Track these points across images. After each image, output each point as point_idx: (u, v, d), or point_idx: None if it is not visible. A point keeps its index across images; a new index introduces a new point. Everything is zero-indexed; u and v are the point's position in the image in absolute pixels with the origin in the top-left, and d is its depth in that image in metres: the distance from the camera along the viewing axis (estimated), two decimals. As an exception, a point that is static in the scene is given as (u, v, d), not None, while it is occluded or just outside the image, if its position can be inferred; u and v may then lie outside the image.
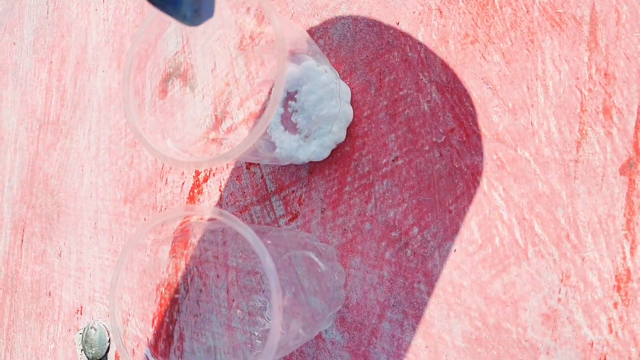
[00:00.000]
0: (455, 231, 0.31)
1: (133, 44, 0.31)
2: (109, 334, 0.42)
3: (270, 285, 0.25)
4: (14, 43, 0.48)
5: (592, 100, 0.29)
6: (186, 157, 0.28)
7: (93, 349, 0.41)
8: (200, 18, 0.19)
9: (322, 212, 0.35)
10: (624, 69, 0.28)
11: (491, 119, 0.31)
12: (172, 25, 0.34)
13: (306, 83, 0.33)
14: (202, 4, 0.19)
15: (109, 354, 0.42)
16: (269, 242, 0.27)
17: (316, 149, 0.33)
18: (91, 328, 0.42)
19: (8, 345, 0.46)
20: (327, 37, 0.36)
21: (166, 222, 0.30)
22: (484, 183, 0.31)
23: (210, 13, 0.20)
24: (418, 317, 0.32)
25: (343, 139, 0.34)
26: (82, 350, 0.42)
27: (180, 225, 0.34)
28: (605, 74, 0.29)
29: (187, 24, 0.20)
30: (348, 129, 0.34)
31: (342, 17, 0.35)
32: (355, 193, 0.34)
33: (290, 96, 0.34)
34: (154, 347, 0.38)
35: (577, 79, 0.29)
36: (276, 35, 0.25)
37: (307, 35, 0.31)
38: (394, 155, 0.33)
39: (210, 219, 0.29)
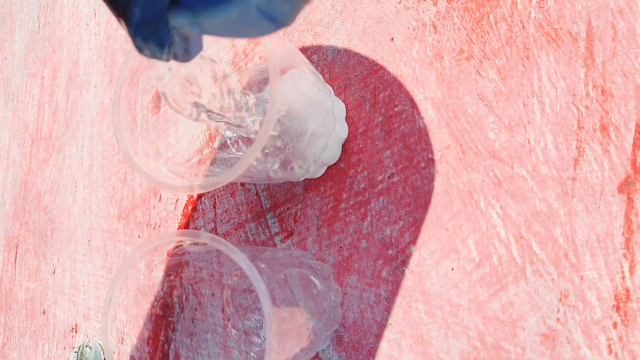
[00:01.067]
0: (453, 249, 0.31)
1: (125, 61, 0.31)
2: (104, 353, 0.41)
3: (264, 312, 0.24)
4: (5, 58, 0.48)
5: (589, 117, 0.29)
6: (178, 180, 0.28)
7: (88, 368, 0.41)
8: (190, 55, 0.20)
9: (317, 229, 0.35)
10: (621, 86, 0.28)
11: (487, 135, 0.31)
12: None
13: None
14: (191, 43, 0.19)
15: (104, 373, 0.41)
16: (262, 265, 0.27)
17: (311, 167, 0.33)
18: (86, 347, 0.41)
19: (2, 363, 0.45)
20: (320, 53, 0.35)
21: (159, 245, 0.29)
22: (481, 201, 0.31)
23: (199, 48, 0.20)
24: (416, 337, 0.32)
25: (338, 156, 0.34)
26: (77, 369, 0.42)
27: (174, 248, 0.33)
28: (602, 91, 0.29)
29: (178, 61, 0.20)
30: (343, 145, 0.34)
31: (336, 33, 0.35)
32: (351, 210, 0.34)
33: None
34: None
35: (574, 95, 0.29)
36: (267, 55, 0.25)
37: (300, 53, 0.30)
38: (389, 172, 0.33)
39: (203, 243, 0.28)
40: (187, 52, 0.20)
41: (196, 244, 0.29)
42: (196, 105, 0.26)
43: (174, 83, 0.24)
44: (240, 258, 0.24)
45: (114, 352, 0.44)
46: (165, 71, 0.24)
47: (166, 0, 0.18)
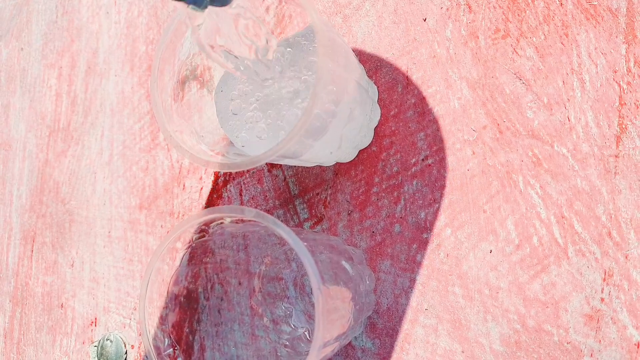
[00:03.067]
0: (491, 231, 0.30)
1: (159, 48, 0.31)
2: (125, 346, 0.40)
3: (313, 287, 0.24)
4: (22, 49, 0.47)
5: (631, 93, 0.28)
6: (218, 157, 0.27)
7: (109, 361, 0.40)
8: None
9: (348, 214, 0.34)
10: (664, 61, 0.28)
11: (526, 114, 0.30)
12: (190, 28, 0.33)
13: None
14: None
15: (125, 366, 0.40)
16: (305, 244, 0.26)
17: (344, 150, 0.32)
18: (107, 340, 0.40)
19: None
20: (350, 35, 0.35)
21: (195, 225, 0.29)
22: (519, 181, 0.30)
23: None
24: (453, 322, 0.31)
25: (370, 139, 0.33)
26: (97, 363, 0.41)
27: (202, 228, 0.32)
28: (644, 67, 0.28)
29: (217, 5, 0.19)
30: (375, 128, 0.34)
31: (367, 15, 0.34)
32: (383, 194, 0.33)
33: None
34: (173, 358, 0.37)
35: (615, 72, 0.29)
36: (314, 24, 0.24)
37: (335, 29, 0.30)
38: (423, 154, 0.32)
39: (244, 220, 0.27)
40: None
41: (239, 221, 0.28)
42: (231, 54, 0.25)
43: (210, 31, 0.24)
44: (286, 232, 0.23)
45: (132, 346, 0.43)
46: (202, 20, 0.24)
47: None
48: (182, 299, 0.37)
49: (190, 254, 0.36)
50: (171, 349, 0.30)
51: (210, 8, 0.22)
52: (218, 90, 0.35)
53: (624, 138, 0.28)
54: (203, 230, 0.31)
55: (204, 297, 0.37)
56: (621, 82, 0.28)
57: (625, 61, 0.28)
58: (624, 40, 0.29)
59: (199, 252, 0.36)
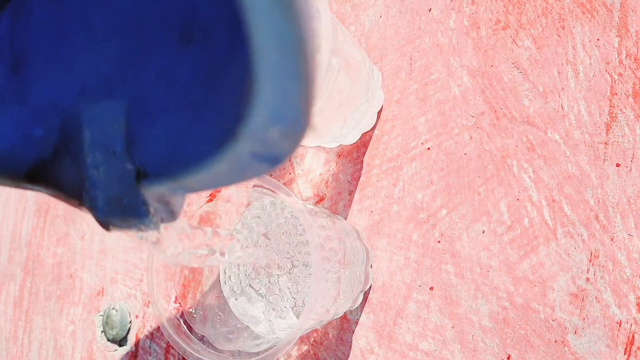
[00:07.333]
0: (484, 213, 0.32)
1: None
2: (130, 316, 0.42)
3: (313, 258, 0.25)
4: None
5: (622, 84, 0.30)
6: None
7: (114, 330, 0.41)
8: (176, 214, 0.18)
9: (349, 194, 0.36)
10: (655, 54, 0.29)
11: (522, 102, 0.32)
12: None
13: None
14: (174, 202, 0.17)
15: (129, 335, 0.42)
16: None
17: (347, 132, 0.34)
18: (112, 309, 0.42)
19: (26, 327, 0.46)
20: (358, 24, 0.36)
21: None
22: (513, 165, 0.31)
23: (183, 202, 0.18)
24: (444, 298, 0.32)
25: (373, 123, 0.35)
26: (102, 331, 0.42)
27: (206, 202, 0.34)
28: (635, 59, 0.30)
29: (165, 223, 0.18)
30: (378, 112, 0.35)
31: (374, 4, 0.36)
32: (383, 176, 0.35)
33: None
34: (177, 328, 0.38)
35: (608, 63, 0.30)
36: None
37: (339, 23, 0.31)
38: (423, 138, 0.34)
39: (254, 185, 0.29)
40: (172, 213, 0.17)
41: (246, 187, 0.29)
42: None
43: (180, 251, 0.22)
44: (285, 192, 0.24)
45: (137, 316, 0.45)
46: (168, 246, 0.21)
47: (132, 173, 0.16)
48: (186, 272, 0.39)
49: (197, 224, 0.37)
50: (178, 304, 0.31)
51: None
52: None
53: (613, 126, 0.30)
54: (209, 201, 0.32)
55: (208, 270, 0.39)
56: (613, 73, 0.30)
57: (618, 53, 0.30)
58: (617, 34, 0.30)
59: (206, 223, 0.38)
